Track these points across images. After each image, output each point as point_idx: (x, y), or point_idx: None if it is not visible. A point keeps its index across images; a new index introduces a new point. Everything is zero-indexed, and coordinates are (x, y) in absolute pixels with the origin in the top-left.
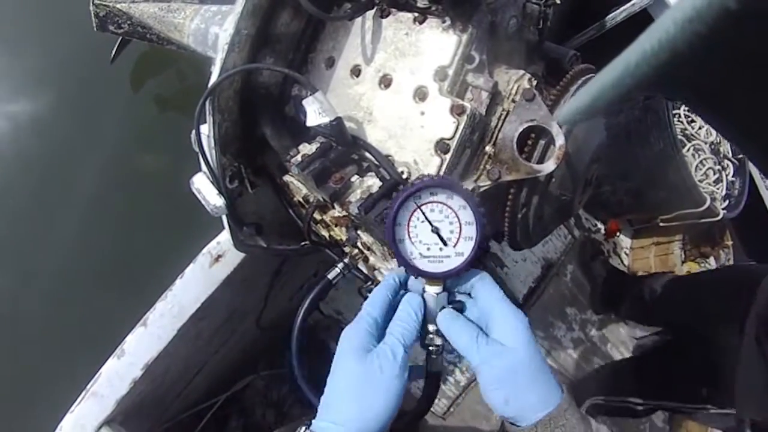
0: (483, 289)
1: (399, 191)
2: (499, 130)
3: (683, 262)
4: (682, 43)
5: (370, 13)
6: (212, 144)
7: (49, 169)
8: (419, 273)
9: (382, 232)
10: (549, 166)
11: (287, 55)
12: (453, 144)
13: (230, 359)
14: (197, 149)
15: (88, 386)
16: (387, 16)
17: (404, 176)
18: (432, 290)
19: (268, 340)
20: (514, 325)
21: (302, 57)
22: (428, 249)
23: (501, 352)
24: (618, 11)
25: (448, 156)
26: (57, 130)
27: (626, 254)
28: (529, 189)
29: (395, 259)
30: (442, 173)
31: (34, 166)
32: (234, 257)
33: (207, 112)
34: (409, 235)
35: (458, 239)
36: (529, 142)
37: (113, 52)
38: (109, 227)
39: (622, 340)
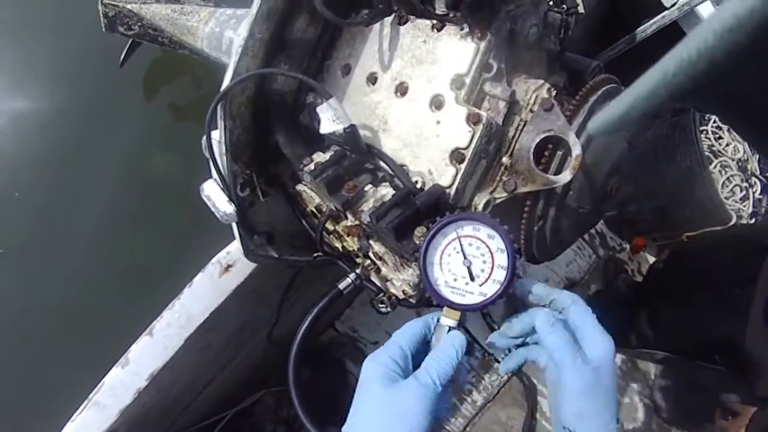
0: (576, 310)
1: (444, 216)
2: (516, 141)
3: None
4: (721, 53)
5: (388, 20)
6: (223, 150)
7: (59, 172)
8: (440, 298)
9: (393, 242)
10: (565, 176)
11: (302, 61)
12: (468, 154)
13: (241, 373)
14: (208, 155)
15: (91, 395)
16: (405, 23)
17: (418, 185)
18: (447, 321)
19: (279, 356)
20: (605, 348)
21: (318, 64)
22: (455, 280)
23: (591, 366)
24: (648, 24)
25: (463, 166)
26: (68, 133)
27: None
28: (546, 201)
29: (408, 270)
30: (456, 184)
31: (43, 169)
32: (244, 267)
33: (218, 118)
34: (440, 260)
35: (486, 279)
36: (546, 153)
37: (123, 55)
38: (118, 233)
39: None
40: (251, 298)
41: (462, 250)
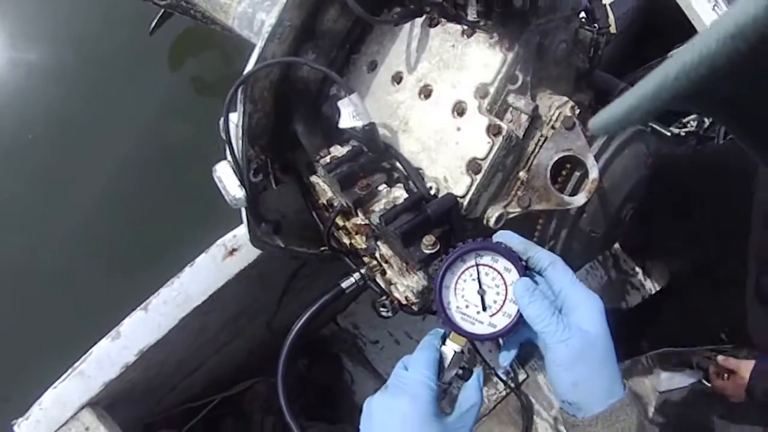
0: (555, 272)
1: (467, 243)
2: (535, 156)
3: None
4: (722, 59)
5: (419, 21)
6: (240, 134)
7: (75, 131)
8: (450, 324)
9: (401, 247)
10: (579, 199)
11: (330, 52)
12: (485, 165)
13: (235, 359)
14: (224, 137)
15: (76, 364)
16: (436, 25)
17: (432, 192)
18: (453, 346)
19: (277, 345)
20: (591, 309)
21: (345, 56)
22: (467, 306)
23: (578, 332)
24: (681, 47)
25: (478, 177)
26: (88, 92)
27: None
28: (559, 221)
29: (412, 276)
30: (470, 194)
31: (60, 127)
32: (249, 253)
33: (238, 100)
34: (456, 285)
35: (497, 311)
36: (564, 172)
37: (153, 23)
38: (126, 196)
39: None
40: (253, 284)
41: (478, 279)
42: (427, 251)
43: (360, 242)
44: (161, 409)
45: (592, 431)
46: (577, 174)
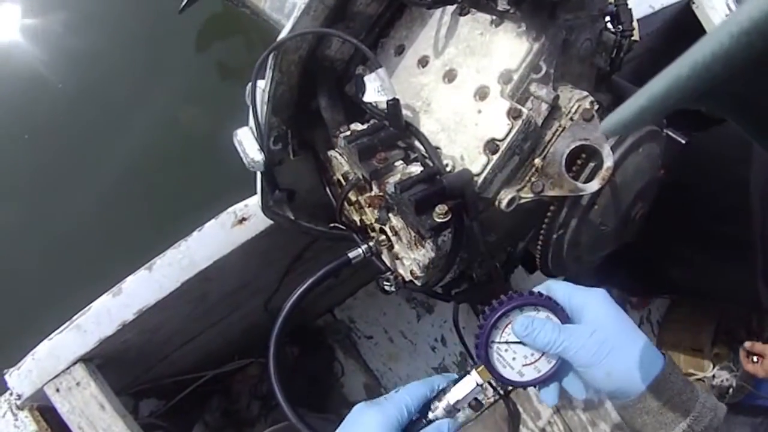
0: (555, 286)
1: (535, 296)
2: (552, 144)
3: (713, 344)
4: (736, 57)
5: (449, 9)
6: (266, 99)
7: (95, 107)
8: (485, 360)
9: (413, 215)
10: (593, 185)
11: (359, 34)
12: (503, 146)
13: (228, 337)
14: (249, 102)
15: (74, 317)
16: (465, 14)
17: (448, 169)
18: (477, 378)
19: (271, 329)
20: (596, 301)
21: (374, 40)
22: (505, 350)
23: (588, 330)
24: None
25: (495, 157)
26: (111, 68)
27: (658, 323)
28: (569, 210)
29: (420, 249)
30: (485, 173)
31: (80, 102)
32: (258, 224)
33: (268, 67)
34: (504, 329)
35: (530, 363)
36: (579, 162)
37: (184, 3)
38: (141, 170)
39: None
40: (258, 258)
41: None
42: (439, 220)
43: (371, 216)
44: (150, 377)
45: (642, 406)
46: (592, 164)
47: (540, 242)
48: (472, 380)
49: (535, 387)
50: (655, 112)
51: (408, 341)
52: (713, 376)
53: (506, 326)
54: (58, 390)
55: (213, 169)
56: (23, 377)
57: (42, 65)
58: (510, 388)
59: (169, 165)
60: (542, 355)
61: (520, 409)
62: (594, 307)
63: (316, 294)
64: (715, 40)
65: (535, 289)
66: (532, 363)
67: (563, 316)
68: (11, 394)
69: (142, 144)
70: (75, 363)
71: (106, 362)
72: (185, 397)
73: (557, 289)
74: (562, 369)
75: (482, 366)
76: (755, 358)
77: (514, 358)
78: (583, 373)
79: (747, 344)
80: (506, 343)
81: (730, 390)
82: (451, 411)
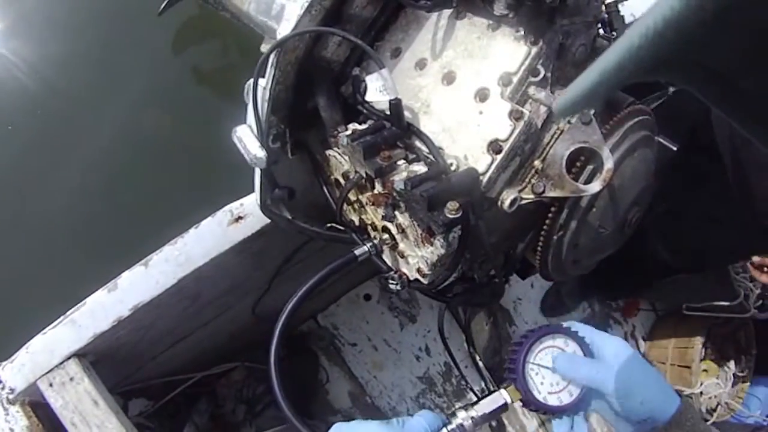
0: (579, 327)
1: (565, 329)
2: (551, 147)
3: (702, 360)
4: (689, 20)
5: (446, 13)
6: (266, 97)
7: (66, 109)
8: (518, 375)
9: (425, 211)
10: (594, 186)
11: (355, 37)
12: (506, 146)
13: (216, 340)
14: (249, 100)
15: (69, 312)
16: (462, 18)
17: (453, 168)
18: (506, 396)
19: (258, 332)
20: (616, 342)
21: (369, 43)
22: (536, 373)
23: (620, 364)
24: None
25: (499, 157)
26: (85, 72)
27: (644, 339)
28: (569, 212)
29: (428, 247)
30: (490, 172)
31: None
32: (254, 223)
33: (269, 65)
34: (539, 352)
35: (555, 392)
36: (578, 164)
37: (163, 4)
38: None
39: None
40: (251, 258)
41: (554, 360)
42: (451, 216)
43: (372, 216)
44: (140, 378)
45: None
46: (590, 167)
47: (540, 243)
48: (501, 397)
49: (553, 415)
50: (609, 85)
51: (392, 349)
52: (701, 393)
53: (540, 350)
54: (51, 385)
55: (208, 168)
56: (16, 371)
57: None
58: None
59: (168, 163)
60: (567, 386)
61: (505, 422)
62: (615, 345)
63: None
64: (666, 4)
65: (564, 324)
66: (556, 392)
67: (588, 350)
68: (3, 388)
69: (121, 139)
70: (69, 358)
71: (99, 360)
72: (173, 399)
73: (581, 327)
74: (580, 403)
75: (512, 386)
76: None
77: (542, 383)
78: (620, 403)
79: (756, 259)
80: (539, 365)
81: (718, 407)
82: (473, 423)
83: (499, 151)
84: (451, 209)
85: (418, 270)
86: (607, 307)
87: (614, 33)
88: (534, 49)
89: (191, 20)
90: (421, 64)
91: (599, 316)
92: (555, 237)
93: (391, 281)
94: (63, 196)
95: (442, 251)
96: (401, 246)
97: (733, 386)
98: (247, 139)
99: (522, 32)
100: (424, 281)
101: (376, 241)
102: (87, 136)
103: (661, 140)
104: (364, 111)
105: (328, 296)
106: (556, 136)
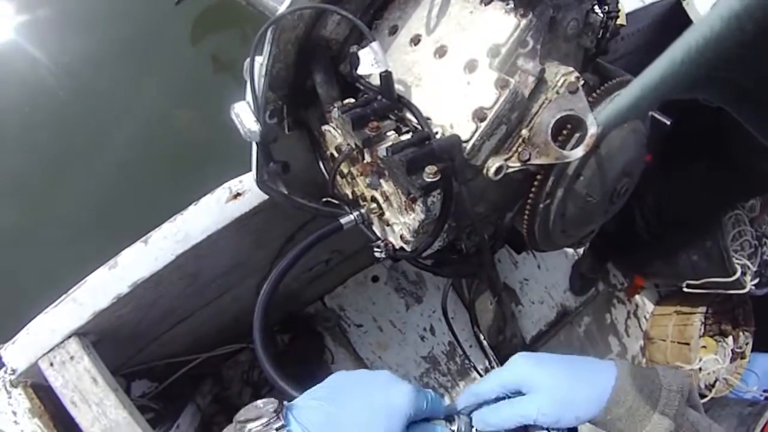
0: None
1: None
2: (538, 116)
3: (701, 336)
4: (728, 40)
5: None
6: (263, 72)
7: (88, 103)
8: None
9: (404, 175)
10: (577, 152)
11: (355, 15)
12: (490, 114)
13: (220, 321)
14: (247, 77)
15: (70, 291)
16: None
17: (438, 136)
18: None
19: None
20: (520, 371)
21: (368, 21)
22: None
23: (535, 396)
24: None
25: (483, 124)
26: (106, 66)
27: (646, 319)
28: (555, 179)
29: (410, 214)
30: (474, 140)
31: (79, 99)
32: (252, 199)
33: (266, 41)
34: None
35: None
36: (565, 132)
37: None
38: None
39: None
40: (250, 236)
41: None
42: (429, 179)
43: (362, 187)
44: (142, 359)
45: (610, 418)
46: (577, 135)
47: (527, 211)
48: None
49: None
50: (650, 100)
51: (397, 330)
52: (700, 369)
53: None
54: (51, 364)
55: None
56: (18, 352)
57: (38, 62)
58: None
59: (158, 156)
60: None
61: None
62: (522, 374)
63: (306, 281)
64: (706, 24)
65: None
66: None
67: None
68: (5, 370)
69: (142, 134)
70: (69, 337)
71: (100, 340)
72: (177, 381)
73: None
74: None
75: None
76: None
77: None
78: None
79: None
80: None
81: (717, 383)
82: None
83: (483, 119)
84: (430, 173)
85: (401, 237)
86: (613, 287)
87: (606, 8)
88: (523, 21)
89: (210, 11)
90: (415, 40)
91: (604, 297)
92: (542, 205)
93: (376, 249)
94: (86, 184)
95: (422, 216)
96: (387, 214)
97: (731, 362)
98: (244, 115)
99: (512, 5)
100: (407, 248)
101: (363, 211)
102: (111, 128)
103: (655, 115)
104: (362, 88)
105: (335, 278)
106: (543, 105)
